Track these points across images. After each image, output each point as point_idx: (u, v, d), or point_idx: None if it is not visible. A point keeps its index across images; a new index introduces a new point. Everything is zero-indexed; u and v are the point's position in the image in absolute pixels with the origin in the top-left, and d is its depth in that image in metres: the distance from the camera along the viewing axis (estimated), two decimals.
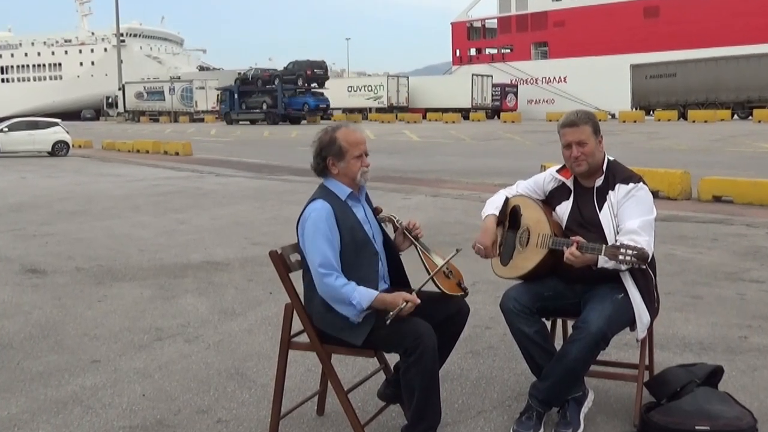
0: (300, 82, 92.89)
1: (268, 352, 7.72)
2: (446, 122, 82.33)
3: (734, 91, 75.07)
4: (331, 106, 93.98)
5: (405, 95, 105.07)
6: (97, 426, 6.16)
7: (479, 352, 7.73)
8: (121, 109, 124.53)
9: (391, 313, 5.10)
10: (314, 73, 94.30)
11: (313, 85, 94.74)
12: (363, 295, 5.22)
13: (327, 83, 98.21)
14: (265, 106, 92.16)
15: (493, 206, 6.26)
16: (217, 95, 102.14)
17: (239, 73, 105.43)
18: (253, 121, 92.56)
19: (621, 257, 5.22)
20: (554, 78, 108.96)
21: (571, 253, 5.46)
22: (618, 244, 5.33)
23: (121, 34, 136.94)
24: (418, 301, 5.19)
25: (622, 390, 6.56)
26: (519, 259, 6.05)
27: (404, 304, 5.13)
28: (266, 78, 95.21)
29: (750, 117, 69.36)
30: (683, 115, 74.30)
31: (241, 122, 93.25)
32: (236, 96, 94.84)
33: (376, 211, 5.87)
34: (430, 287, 5.52)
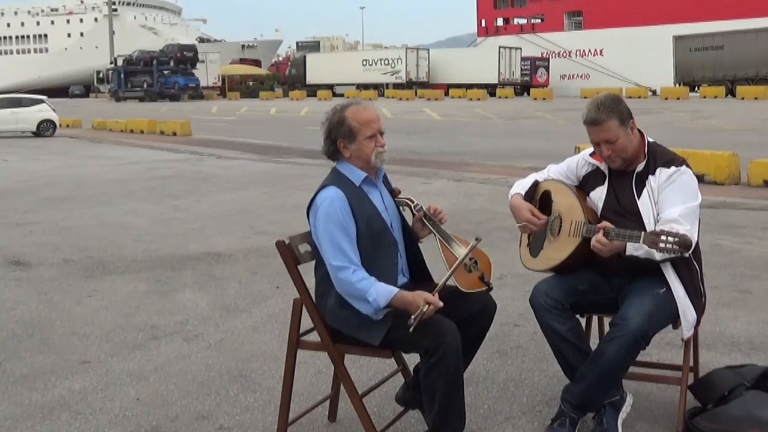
0: (172, 64, 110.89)
1: (275, 352, 7.73)
2: (471, 99, 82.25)
3: None
4: (345, 81, 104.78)
5: (425, 70, 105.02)
6: None
7: (507, 352, 7.73)
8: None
9: (413, 317, 5.04)
10: (184, 55, 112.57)
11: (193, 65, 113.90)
12: (381, 293, 5.18)
13: (339, 57, 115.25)
14: (145, 85, 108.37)
15: (519, 186, 6.26)
16: (107, 74, 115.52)
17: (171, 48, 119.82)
18: (141, 99, 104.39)
19: (662, 245, 5.17)
20: (589, 51, 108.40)
21: (597, 240, 5.45)
22: (658, 230, 5.29)
23: (113, 3, 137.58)
24: (441, 304, 5.11)
25: (665, 394, 6.56)
26: (550, 250, 6.03)
27: (426, 306, 5.07)
28: (147, 60, 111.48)
29: None
30: (731, 92, 74.06)
31: (127, 99, 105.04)
32: (122, 76, 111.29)
33: (393, 193, 5.82)
34: (451, 282, 5.48)
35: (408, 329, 5.07)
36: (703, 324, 6.77)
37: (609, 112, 5.69)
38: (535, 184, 6.24)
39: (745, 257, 11.50)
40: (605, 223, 5.50)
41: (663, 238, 5.17)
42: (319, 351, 5.71)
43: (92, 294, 10.18)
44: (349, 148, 5.49)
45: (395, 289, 5.21)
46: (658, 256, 5.42)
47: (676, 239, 5.13)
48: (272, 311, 9.24)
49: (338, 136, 5.49)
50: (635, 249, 5.44)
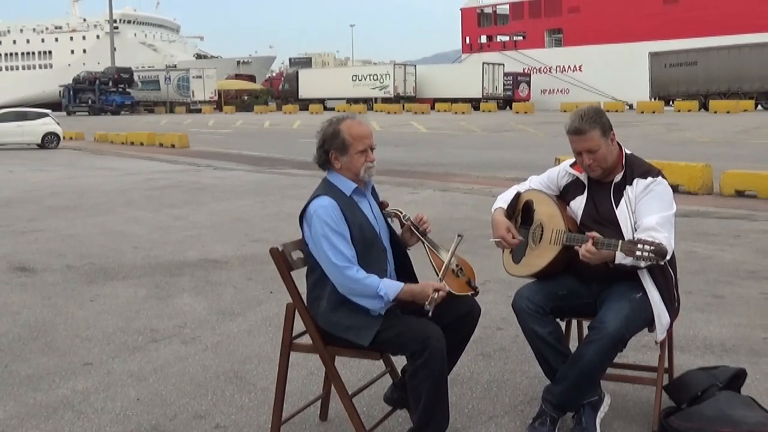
0: (111, 84, 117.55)
1: (269, 354, 7.73)
2: (456, 113, 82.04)
3: (758, 80, 74.83)
4: (335, 96, 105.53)
5: (412, 84, 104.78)
6: None
7: (490, 354, 7.74)
8: None
9: (427, 303, 5.15)
10: (120, 76, 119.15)
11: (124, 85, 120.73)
12: (389, 287, 5.25)
13: (330, 72, 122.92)
14: (90, 102, 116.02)
15: (501, 200, 6.28)
16: (59, 92, 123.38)
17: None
18: (89, 113, 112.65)
19: (638, 253, 5.21)
20: (569, 67, 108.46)
21: (587, 250, 5.45)
22: (635, 239, 5.31)
23: (114, 21, 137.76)
24: (447, 288, 5.25)
25: (641, 394, 6.57)
26: (532, 257, 6.05)
27: (435, 293, 5.17)
28: (92, 79, 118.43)
29: None
30: (704, 106, 74.08)
31: (77, 113, 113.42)
32: (71, 93, 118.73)
33: (381, 206, 5.83)
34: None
35: (394, 331, 5.11)
36: (678, 327, 6.80)
37: (592, 122, 5.72)
38: (517, 195, 6.26)
39: (718, 263, 11.52)
40: (594, 234, 5.51)
41: (639, 246, 5.20)
42: (310, 353, 5.71)
43: (94, 299, 10.17)
44: (340, 160, 5.50)
45: (401, 284, 5.29)
46: (642, 263, 5.43)
47: (652, 247, 5.16)
48: (266, 315, 9.23)
49: (331, 148, 5.50)
50: (622, 258, 5.45)
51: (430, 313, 5.15)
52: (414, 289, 5.25)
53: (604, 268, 5.61)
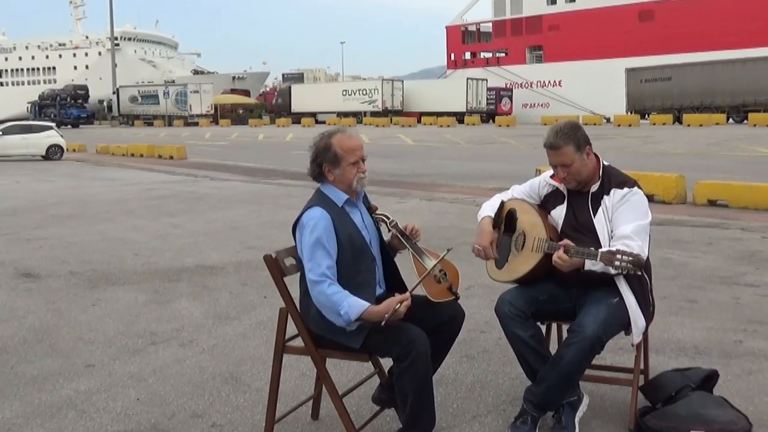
0: (68, 99, 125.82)
1: (263, 357, 7.72)
2: (441, 126, 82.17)
3: (729, 95, 74.96)
4: (326, 109, 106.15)
5: (400, 99, 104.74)
6: (92, 430, 6.17)
7: (474, 356, 7.74)
8: (115, 112, 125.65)
9: (386, 315, 5.10)
10: (77, 92, 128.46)
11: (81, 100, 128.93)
12: (353, 306, 5.18)
13: (321, 87, 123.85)
14: (52, 116, 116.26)
15: (489, 208, 6.27)
16: (27, 107, 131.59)
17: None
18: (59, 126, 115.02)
19: (617, 263, 5.23)
20: (549, 82, 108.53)
21: (558, 256, 5.49)
22: (614, 249, 5.33)
23: (116, 38, 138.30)
24: (408, 297, 5.17)
25: (617, 394, 6.57)
26: (514, 263, 6.05)
27: (398, 305, 5.11)
28: (54, 96, 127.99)
29: (745, 121, 69.47)
30: (678, 119, 74.36)
31: None
32: (38, 108, 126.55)
33: (371, 210, 5.83)
34: (422, 292, 5.50)
35: (380, 335, 5.11)
36: (653, 330, 6.81)
37: (566, 138, 5.74)
38: (501, 204, 6.26)
39: (691, 270, 11.53)
40: (566, 241, 5.54)
41: (618, 256, 5.22)
42: (303, 355, 5.71)
43: (96, 303, 10.16)
44: (333, 173, 5.50)
45: (366, 304, 5.20)
46: (612, 270, 5.45)
47: (630, 258, 5.18)
48: (260, 319, 9.23)
49: (324, 161, 5.50)
50: (592, 264, 5.47)
51: (383, 323, 5.11)
52: (380, 309, 5.17)
53: (582, 275, 5.63)
